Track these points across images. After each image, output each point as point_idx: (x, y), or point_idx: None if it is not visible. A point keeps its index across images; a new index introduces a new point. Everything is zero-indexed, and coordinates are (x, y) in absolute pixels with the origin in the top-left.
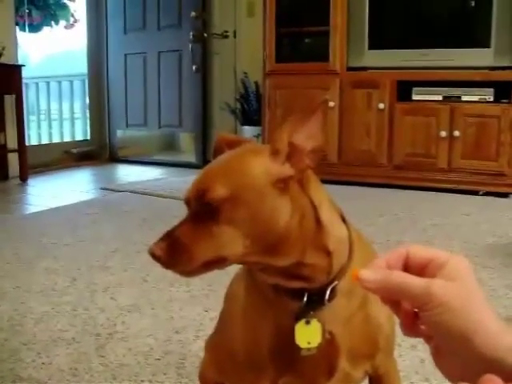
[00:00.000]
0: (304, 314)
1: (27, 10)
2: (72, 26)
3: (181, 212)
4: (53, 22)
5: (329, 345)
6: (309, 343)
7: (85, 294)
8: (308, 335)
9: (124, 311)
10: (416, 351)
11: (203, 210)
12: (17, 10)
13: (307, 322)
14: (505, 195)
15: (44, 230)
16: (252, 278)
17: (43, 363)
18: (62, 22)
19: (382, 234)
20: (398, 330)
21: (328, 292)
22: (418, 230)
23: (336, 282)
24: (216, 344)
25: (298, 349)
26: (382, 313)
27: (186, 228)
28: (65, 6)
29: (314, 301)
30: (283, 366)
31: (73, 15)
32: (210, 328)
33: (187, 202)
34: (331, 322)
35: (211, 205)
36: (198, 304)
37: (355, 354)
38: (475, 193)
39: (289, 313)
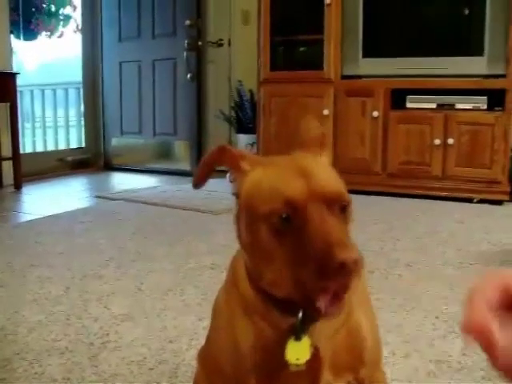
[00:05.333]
0: (302, 329)
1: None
2: (62, 34)
3: (174, 220)
4: (61, 30)
5: (313, 358)
6: (297, 359)
7: (78, 303)
8: (297, 351)
9: (117, 320)
10: (410, 359)
11: (339, 212)
12: (29, 18)
13: (297, 338)
14: (499, 202)
15: (38, 239)
16: (238, 291)
17: (36, 373)
18: (64, 30)
19: (376, 241)
20: (389, 339)
21: None
22: (412, 237)
23: None
24: (205, 356)
25: (286, 364)
26: (366, 325)
27: (344, 230)
28: (68, 16)
29: (308, 316)
30: (267, 379)
31: (78, 25)
32: (203, 337)
33: (331, 201)
34: (318, 336)
35: (346, 206)
36: (192, 313)
37: (339, 366)
38: (469, 200)
39: (277, 327)
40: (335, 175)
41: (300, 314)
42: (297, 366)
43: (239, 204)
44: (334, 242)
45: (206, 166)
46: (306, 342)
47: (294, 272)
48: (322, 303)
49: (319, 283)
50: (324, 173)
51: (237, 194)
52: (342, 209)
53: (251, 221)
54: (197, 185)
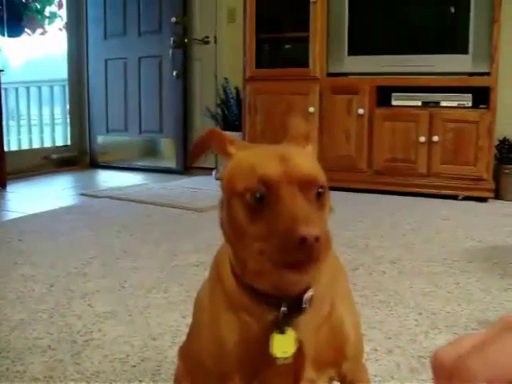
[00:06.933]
0: (285, 322)
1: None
2: (44, 31)
3: (160, 218)
4: (45, 27)
5: (296, 354)
6: (284, 352)
7: (62, 301)
8: (283, 345)
9: (101, 318)
10: (392, 356)
11: (315, 197)
12: (19, 16)
13: (282, 332)
14: (483, 200)
15: (22, 237)
16: (222, 287)
17: (17, 371)
18: (50, 28)
19: (362, 238)
20: (372, 335)
21: (306, 299)
22: (397, 234)
23: (311, 290)
24: (187, 352)
25: (271, 360)
26: (348, 321)
27: (313, 210)
28: (55, 13)
29: (292, 309)
30: (250, 374)
31: (65, 23)
32: (186, 334)
33: (305, 184)
34: (303, 330)
35: (322, 192)
36: (176, 310)
37: (321, 362)
38: (454, 197)
39: (262, 321)
40: (315, 162)
41: (283, 307)
42: (284, 359)
43: (222, 186)
44: (297, 218)
45: (196, 148)
46: (290, 334)
47: (261, 246)
48: (286, 273)
49: (282, 257)
50: (302, 158)
51: (221, 178)
52: (317, 195)
53: (229, 199)
54: (191, 162)
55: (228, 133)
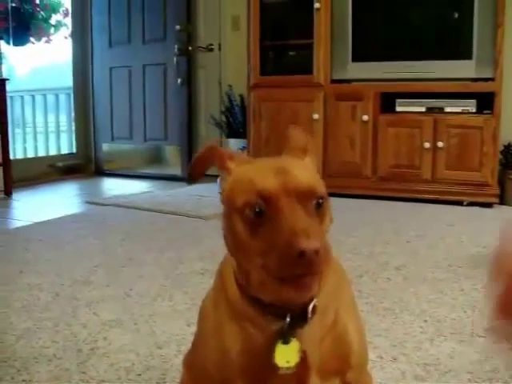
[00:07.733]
0: (289, 333)
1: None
2: (49, 40)
3: (165, 225)
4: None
5: (301, 363)
6: (287, 362)
7: (67, 310)
8: (286, 354)
9: (106, 326)
10: (397, 363)
11: (314, 208)
12: (27, 25)
13: (286, 342)
14: (489, 205)
15: (28, 245)
16: (226, 297)
17: (23, 380)
18: (56, 36)
19: (366, 245)
20: (377, 343)
21: (310, 310)
22: (401, 240)
23: (315, 300)
24: (191, 361)
25: (274, 369)
26: (352, 330)
27: (312, 221)
28: (60, 22)
29: (296, 320)
30: (254, 383)
31: (71, 32)
32: (191, 343)
33: (303, 195)
34: (307, 340)
35: (321, 202)
36: (181, 318)
37: (326, 371)
38: (459, 203)
39: (266, 332)
40: (313, 173)
41: (288, 318)
42: (287, 369)
43: (222, 200)
44: (296, 231)
45: (196, 165)
46: (294, 345)
47: (262, 261)
48: (288, 290)
49: (282, 271)
50: (300, 170)
51: (221, 192)
52: (317, 205)
53: (229, 213)
54: (191, 181)
55: (233, 140)
